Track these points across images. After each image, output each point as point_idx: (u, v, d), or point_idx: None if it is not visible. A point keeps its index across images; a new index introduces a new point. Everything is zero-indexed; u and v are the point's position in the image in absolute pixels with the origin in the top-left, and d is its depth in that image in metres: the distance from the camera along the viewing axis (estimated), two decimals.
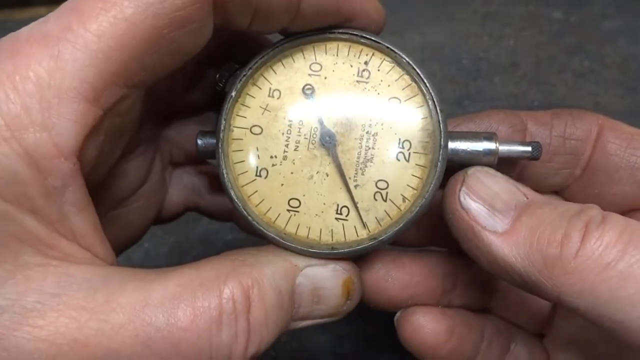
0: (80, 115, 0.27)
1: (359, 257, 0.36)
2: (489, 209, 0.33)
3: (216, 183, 0.37)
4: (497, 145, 0.36)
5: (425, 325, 0.41)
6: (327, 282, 0.34)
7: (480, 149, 0.36)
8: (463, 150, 0.36)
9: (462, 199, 0.34)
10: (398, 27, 0.81)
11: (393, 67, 0.36)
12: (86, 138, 0.28)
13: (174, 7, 0.28)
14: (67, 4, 0.28)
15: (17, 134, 0.26)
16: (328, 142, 0.35)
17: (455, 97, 0.75)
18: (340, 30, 0.36)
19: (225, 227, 0.48)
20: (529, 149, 0.36)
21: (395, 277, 0.41)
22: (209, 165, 0.45)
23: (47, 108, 0.27)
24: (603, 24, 0.79)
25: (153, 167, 0.42)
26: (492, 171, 0.35)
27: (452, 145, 0.36)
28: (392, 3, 0.83)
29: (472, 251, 0.33)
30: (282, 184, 0.35)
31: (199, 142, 0.37)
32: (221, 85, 0.37)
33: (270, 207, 0.35)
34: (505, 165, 0.39)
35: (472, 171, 0.35)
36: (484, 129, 0.39)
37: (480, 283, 0.43)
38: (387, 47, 0.36)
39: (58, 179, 0.27)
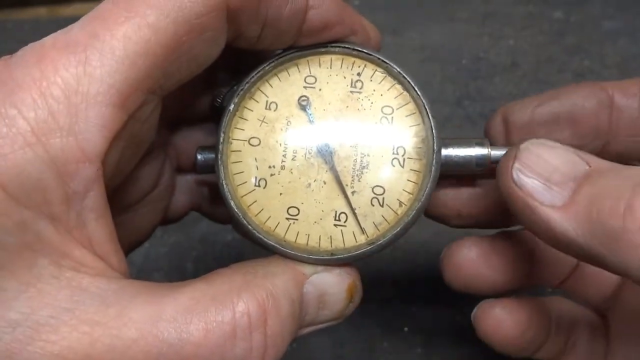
0: (108, 120, 0.28)
1: (357, 262, 0.36)
2: (545, 183, 0.31)
3: (217, 193, 0.37)
4: (489, 150, 0.37)
5: (506, 319, 0.41)
6: (332, 288, 0.35)
7: (473, 154, 0.37)
8: (456, 155, 0.37)
9: (515, 176, 0.32)
10: (398, 26, 0.81)
11: (385, 77, 0.37)
12: (111, 143, 0.28)
13: (193, 15, 0.29)
14: (90, 14, 0.29)
15: (43, 139, 0.27)
16: (325, 151, 0.36)
17: (455, 97, 0.75)
18: (333, 44, 0.37)
19: (225, 228, 0.48)
20: None
21: (495, 263, 0.41)
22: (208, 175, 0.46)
23: (75, 113, 0.27)
24: (603, 24, 0.78)
25: (163, 173, 0.42)
26: (550, 142, 0.33)
27: (445, 152, 0.37)
28: (392, 3, 0.83)
29: (531, 228, 0.32)
30: (280, 193, 0.36)
31: (199, 157, 0.38)
32: (219, 101, 0.38)
33: (270, 216, 0.36)
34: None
35: (526, 145, 0.33)
36: (568, 107, 0.37)
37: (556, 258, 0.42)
38: (379, 59, 0.37)
39: (80, 184, 0.28)
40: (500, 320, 0.41)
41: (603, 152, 0.39)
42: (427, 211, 0.41)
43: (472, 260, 0.41)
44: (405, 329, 0.60)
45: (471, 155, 0.37)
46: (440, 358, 0.59)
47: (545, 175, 0.31)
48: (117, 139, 0.29)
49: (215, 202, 0.46)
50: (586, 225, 0.29)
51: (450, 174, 0.39)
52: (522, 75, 0.76)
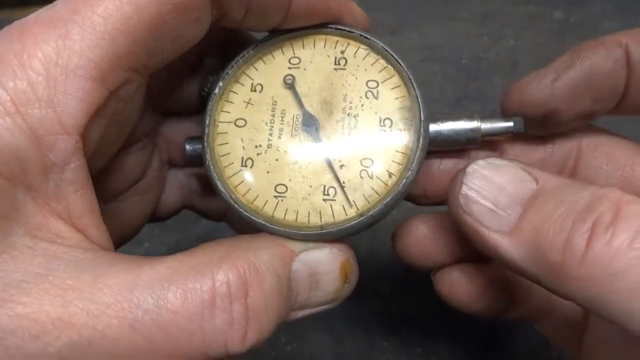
0: (86, 93, 0.28)
1: (349, 236, 0.35)
2: (493, 208, 0.31)
3: (208, 184, 0.37)
4: (479, 123, 0.37)
5: (460, 284, 0.41)
6: (324, 266, 0.34)
7: (463, 128, 0.37)
8: (446, 129, 0.37)
9: (462, 202, 0.32)
10: (397, 26, 0.81)
11: (368, 52, 0.37)
12: (91, 118, 0.28)
13: None
14: None
15: (22, 109, 0.27)
16: (310, 127, 0.36)
17: (455, 97, 0.75)
18: (316, 26, 0.37)
19: (224, 227, 0.48)
20: (511, 124, 0.37)
21: (443, 241, 0.41)
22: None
23: (54, 85, 0.27)
24: (603, 24, 0.78)
25: (151, 163, 0.42)
26: (497, 161, 0.33)
27: (435, 126, 0.37)
28: (392, 2, 0.83)
29: (482, 251, 0.32)
30: (267, 172, 0.36)
31: (187, 147, 0.39)
32: (206, 90, 0.38)
33: (258, 195, 0.36)
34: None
35: (472, 168, 0.33)
36: (586, 74, 0.35)
37: None
38: (361, 35, 0.37)
39: (59, 155, 0.28)
40: (455, 284, 0.41)
41: (618, 109, 0.37)
42: None
43: (419, 238, 0.41)
44: (405, 328, 0.60)
45: (461, 129, 0.37)
46: (439, 358, 0.59)
47: (492, 199, 0.31)
48: (99, 115, 0.29)
49: (205, 195, 0.46)
50: (530, 255, 0.29)
51: (440, 149, 0.39)
52: (522, 75, 0.75)
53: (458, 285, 0.41)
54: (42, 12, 0.29)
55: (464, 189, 0.32)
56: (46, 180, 0.28)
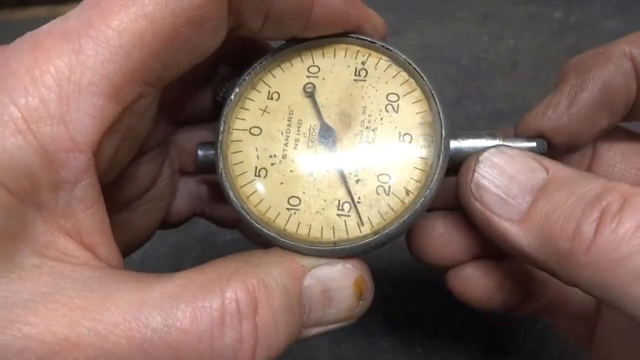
0: (99, 110, 0.27)
1: (364, 253, 0.34)
2: (503, 196, 0.32)
3: (219, 191, 0.36)
4: (501, 141, 0.36)
5: (474, 281, 0.40)
6: (337, 282, 0.33)
7: (484, 146, 0.36)
8: (467, 147, 0.36)
9: (473, 189, 0.33)
10: (397, 26, 0.81)
11: (390, 64, 0.36)
12: (104, 134, 0.28)
13: (192, 6, 0.28)
14: (87, 1, 0.29)
15: (33, 127, 0.26)
16: (327, 139, 0.35)
17: (455, 97, 0.75)
18: (337, 34, 0.36)
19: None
20: (534, 144, 0.36)
21: (459, 239, 0.40)
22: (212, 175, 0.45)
23: (66, 102, 0.27)
24: (603, 24, 0.78)
25: (162, 172, 0.42)
26: (509, 150, 0.34)
27: (455, 143, 0.36)
28: (392, 2, 0.83)
29: (490, 237, 0.33)
30: (281, 183, 0.35)
31: (199, 152, 0.37)
32: (221, 95, 0.37)
33: (270, 207, 0.35)
34: None
35: (485, 156, 0.33)
36: (600, 93, 0.36)
37: None
38: (383, 46, 0.36)
39: (70, 173, 0.27)
40: (469, 281, 0.40)
41: (629, 116, 0.38)
42: None
43: (435, 237, 0.40)
44: (405, 329, 0.60)
45: (482, 147, 0.36)
46: (439, 358, 0.59)
47: (503, 188, 0.32)
48: (113, 131, 0.29)
49: (216, 202, 0.45)
50: (539, 242, 0.30)
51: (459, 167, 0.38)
52: (522, 75, 0.76)
53: (472, 282, 0.41)
54: (55, 24, 0.28)
55: (476, 177, 0.33)
56: (56, 197, 0.27)
